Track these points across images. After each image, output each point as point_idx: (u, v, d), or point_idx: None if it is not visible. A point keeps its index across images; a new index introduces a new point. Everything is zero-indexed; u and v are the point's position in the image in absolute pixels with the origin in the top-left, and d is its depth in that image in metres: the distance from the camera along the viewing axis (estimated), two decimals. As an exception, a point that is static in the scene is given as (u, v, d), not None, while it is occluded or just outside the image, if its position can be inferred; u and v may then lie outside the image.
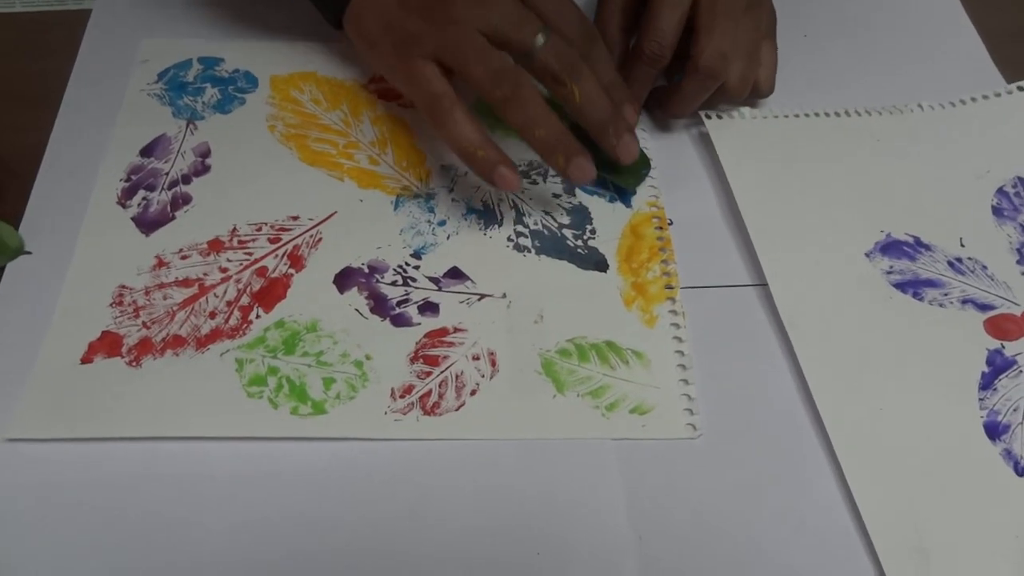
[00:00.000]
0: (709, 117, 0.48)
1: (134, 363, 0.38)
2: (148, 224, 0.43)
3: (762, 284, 0.42)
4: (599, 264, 0.42)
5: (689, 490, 0.36)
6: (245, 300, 0.40)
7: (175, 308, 0.40)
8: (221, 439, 0.36)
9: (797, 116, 0.48)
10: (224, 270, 0.41)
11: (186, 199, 0.44)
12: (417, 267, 0.42)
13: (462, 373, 0.39)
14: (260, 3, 0.53)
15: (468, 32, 0.40)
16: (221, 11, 0.52)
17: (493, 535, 0.35)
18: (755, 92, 0.47)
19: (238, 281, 0.41)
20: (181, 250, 0.42)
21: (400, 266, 0.42)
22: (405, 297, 0.41)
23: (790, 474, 0.36)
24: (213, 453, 0.36)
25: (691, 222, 0.44)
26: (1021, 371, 0.39)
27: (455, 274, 0.42)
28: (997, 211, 0.45)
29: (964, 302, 0.41)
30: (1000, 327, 0.40)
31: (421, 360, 0.39)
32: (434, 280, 0.42)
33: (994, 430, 0.37)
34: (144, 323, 0.39)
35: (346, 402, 0.37)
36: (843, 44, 0.53)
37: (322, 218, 0.43)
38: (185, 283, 0.41)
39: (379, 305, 0.41)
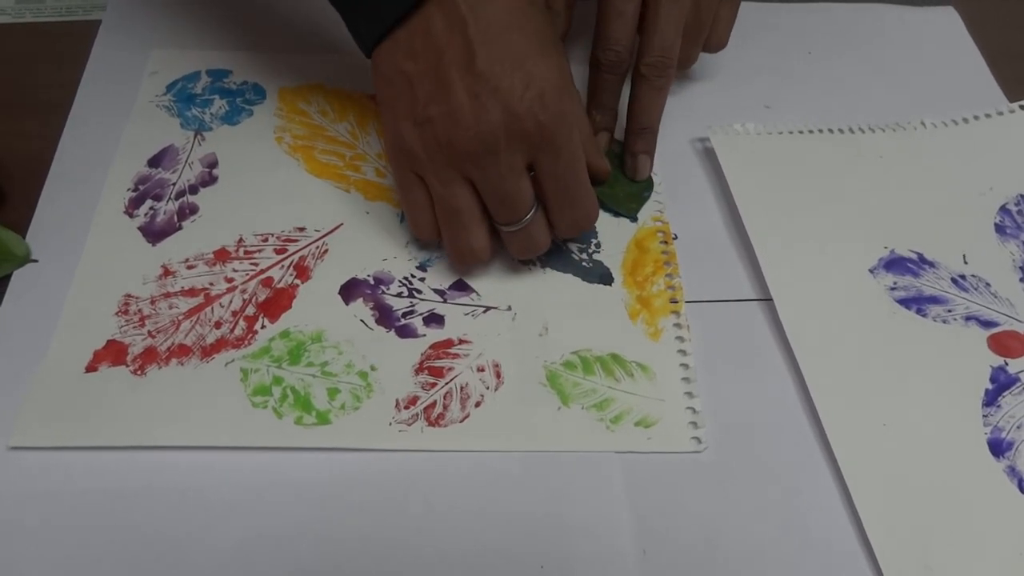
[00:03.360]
0: (715, 133, 0.48)
1: (139, 372, 0.38)
2: (154, 234, 0.43)
3: (766, 299, 0.42)
4: (604, 277, 0.43)
5: (693, 504, 0.36)
6: (251, 310, 0.40)
7: (180, 317, 0.40)
8: (225, 449, 0.36)
9: (802, 132, 0.49)
10: (230, 280, 0.41)
11: (193, 209, 0.44)
12: (423, 279, 0.42)
13: (467, 385, 0.39)
14: (263, 16, 0.53)
15: (459, 185, 0.38)
16: (230, 23, 0.53)
17: (497, 548, 0.34)
18: (705, 49, 0.48)
19: (244, 291, 0.41)
20: (187, 260, 0.42)
21: (406, 278, 0.42)
22: (410, 308, 0.41)
23: (794, 488, 0.36)
24: (217, 463, 0.36)
25: (696, 236, 0.45)
26: (1025, 388, 0.39)
27: (460, 286, 0.42)
28: (1000, 229, 0.45)
29: (968, 319, 0.41)
30: (1003, 344, 0.41)
31: (426, 371, 0.39)
32: (439, 292, 0.42)
33: (998, 447, 0.37)
34: (149, 332, 0.39)
35: (350, 412, 0.37)
36: (847, 62, 0.53)
37: (328, 229, 0.44)
38: (191, 293, 0.41)
39: (384, 316, 0.41)
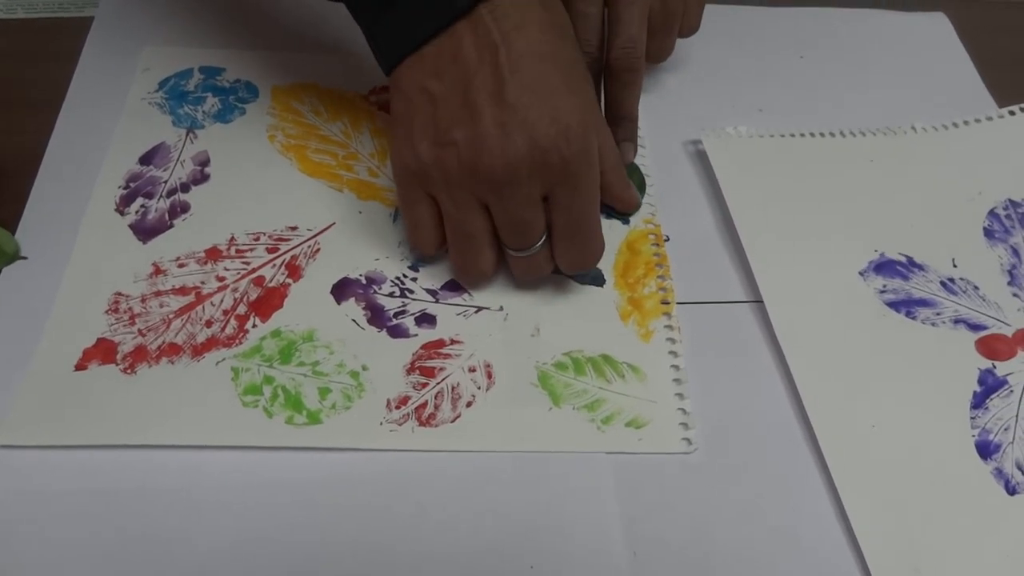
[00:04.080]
0: (707, 135, 0.48)
1: (129, 370, 0.38)
2: (146, 232, 0.43)
3: (757, 301, 0.42)
4: (596, 279, 0.43)
5: (683, 505, 0.36)
6: (242, 309, 0.40)
7: (171, 316, 0.40)
8: (215, 448, 0.36)
9: (793, 136, 0.49)
10: (221, 279, 0.41)
11: (184, 207, 0.44)
12: (415, 279, 0.42)
13: (458, 385, 0.39)
14: (256, 14, 0.53)
15: (474, 209, 0.38)
16: (223, 21, 0.53)
17: (487, 547, 0.34)
18: (679, 36, 0.49)
19: (235, 290, 0.41)
20: (178, 258, 0.42)
21: (398, 278, 0.42)
22: (402, 308, 0.41)
23: (784, 489, 0.36)
24: (207, 462, 0.36)
25: (687, 238, 0.45)
26: (1012, 391, 0.39)
27: (453, 286, 0.42)
28: (989, 233, 0.45)
29: (956, 322, 0.42)
30: (991, 347, 0.41)
31: (417, 371, 0.39)
32: (431, 292, 0.42)
33: (986, 449, 0.38)
34: (140, 331, 0.39)
35: (341, 412, 0.37)
36: (838, 66, 0.54)
37: (320, 229, 0.44)
38: (182, 291, 0.41)
39: (376, 316, 0.41)
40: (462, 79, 0.36)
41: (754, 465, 0.37)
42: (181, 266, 0.42)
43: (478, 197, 0.37)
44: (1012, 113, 0.51)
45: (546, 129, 0.36)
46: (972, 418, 0.38)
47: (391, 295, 0.41)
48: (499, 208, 0.38)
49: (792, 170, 0.47)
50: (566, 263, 0.40)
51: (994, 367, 0.40)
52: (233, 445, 0.36)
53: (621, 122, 0.46)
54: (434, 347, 0.40)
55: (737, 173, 0.46)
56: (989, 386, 0.39)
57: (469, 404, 0.38)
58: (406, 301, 0.41)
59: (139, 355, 0.38)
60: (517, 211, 0.37)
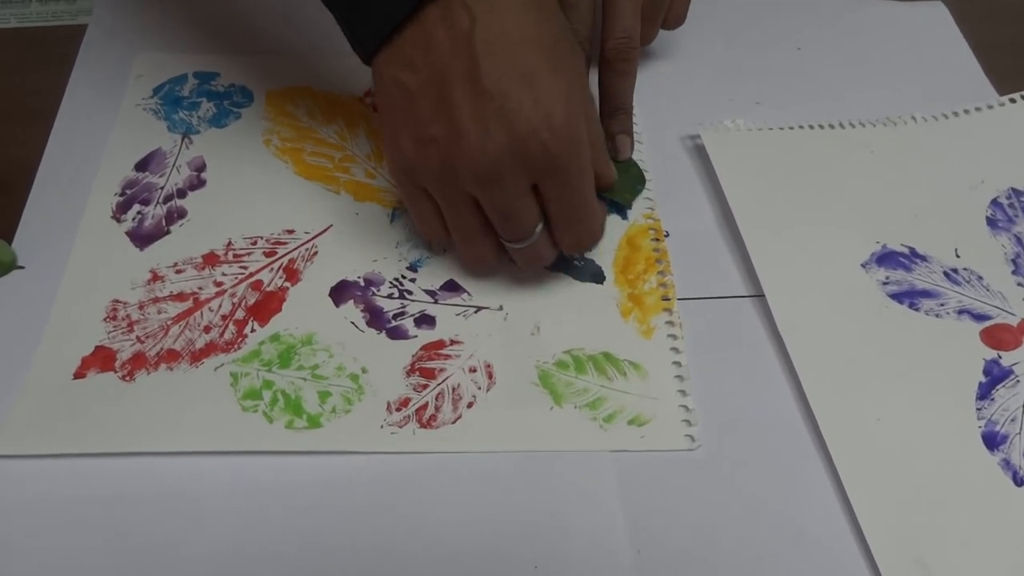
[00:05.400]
0: (706, 129, 0.48)
1: (128, 378, 0.38)
2: (142, 238, 0.43)
3: (759, 295, 0.42)
4: (596, 276, 0.42)
5: (687, 502, 0.36)
6: (240, 314, 0.40)
7: (169, 322, 0.40)
8: (215, 454, 0.36)
9: (792, 128, 0.49)
10: (219, 284, 0.41)
11: (181, 213, 0.44)
12: (413, 280, 0.42)
13: (459, 386, 0.38)
14: (250, 18, 0.53)
15: (463, 204, 0.37)
16: (217, 26, 0.52)
17: (490, 549, 0.34)
18: (664, 26, 0.49)
19: (233, 295, 0.41)
20: (176, 264, 0.42)
21: (396, 279, 0.42)
22: (401, 310, 0.41)
23: (789, 485, 0.36)
24: (207, 468, 0.36)
25: (687, 234, 0.44)
26: (1018, 381, 0.39)
27: (451, 287, 0.42)
28: (991, 222, 0.45)
29: (960, 312, 0.41)
30: (996, 337, 0.40)
31: (417, 373, 0.39)
32: (430, 293, 0.41)
33: (992, 440, 0.37)
34: (138, 337, 0.39)
35: (342, 415, 0.37)
36: (836, 57, 0.53)
37: (318, 231, 0.43)
38: (180, 297, 0.41)
39: (375, 318, 0.40)
40: (436, 69, 0.34)
41: (758, 461, 0.37)
42: (179, 272, 0.41)
43: (466, 192, 0.37)
44: (1013, 101, 0.50)
45: (527, 118, 0.34)
46: (978, 409, 0.38)
47: (390, 297, 0.41)
48: (487, 204, 0.37)
49: (791, 163, 0.47)
50: (566, 245, 0.39)
51: (999, 357, 0.40)
52: (234, 451, 0.36)
53: (616, 114, 0.45)
54: (434, 348, 0.40)
55: (736, 167, 0.46)
56: (995, 376, 0.39)
57: (470, 405, 0.38)
58: (405, 302, 0.41)
59: (138, 362, 0.38)
60: (505, 205, 0.36)
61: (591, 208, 0.38)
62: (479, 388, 0.38)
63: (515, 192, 0.36)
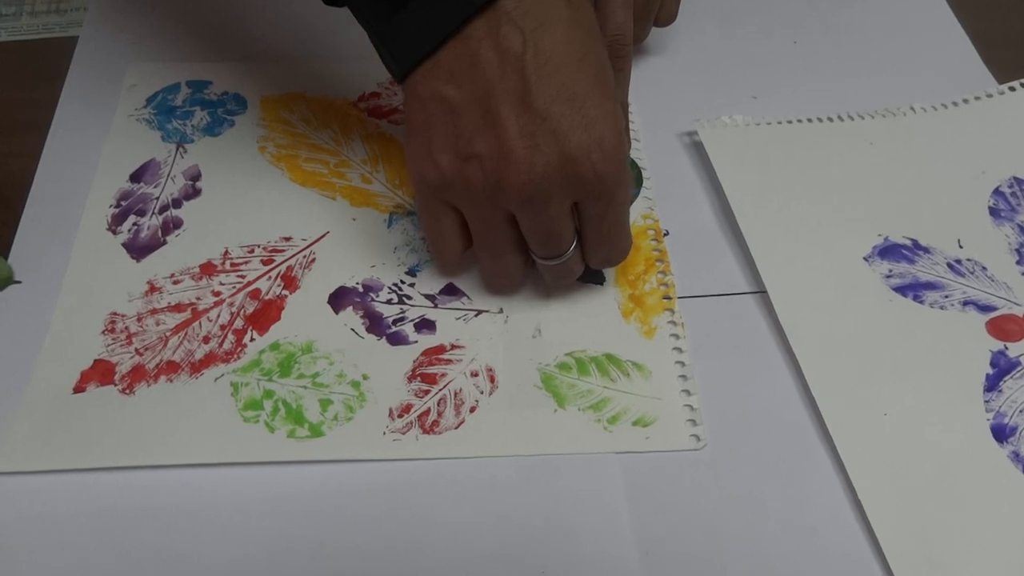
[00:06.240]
0: (703, 125, 0.47)
1: (127, 391, 0.38)
2: (139, 249, 0.42)
3: (761, 291, 0.41)
4: (595, 277, 0.42)
5: (694, 502, 0.35)
6: (239, 323, 0.40)
7: (168, 334, 0.39)
8: (217, 465, 0.36)
9: (790, 122, 0.48)
10: (217, 294, 0.41)
11: (177, 223, 0.43)
12: (412, 284, 0.42)
13: (461, 390, 0.38)
14: (242, 25, 0.53)
15: (501, 222, 0.37)
16: (209, 34, 0.52)
17: (497, 553, 0.34)
18: (656, 23, 0.49)
19: (231, 304, 0.41)
20: (173, 275, 0.41)
21: (395, 284, 0.41)
22: (401, 315, 0.40)
23: (797, 483, 0.36)
24: (209, 479, 0.36)
25: (687, 232, 0.44)
26: (1026, 372, 0.39)
27: (451, 291, 0.41)
28: (994, 212, 0.44)
29: (965, 304, 0.41)
30: (1002, 328, 0.40)
31: (419, 378, 0.38)
32: (430, 297, 0.41)
33: (1001, 432, 0.37)
34: (137, 350, 0.39)
35: (344, 423, 0.37)
36: (834, 49, 0.53)
37: (315, 238, 0.43)
38: (178, 308, 0.40)
39: (375, 324, 0.40)
40: (483, 85, 0.34)
41: (765, 459, 0.36)
42: (176, 283, 0.41)
43: (506, 209, 0.36)
44: (1012, 89, 0.50)
45: (579, 140, 0.34)
46: (986, 401, 0.38)
47: (389, 302, 0.41)
48: (527, 221, 0.36)
49: (790, 157, 0.46)
50: (597, 263, 0.39)
51: (1006, 348, 0.39)
52: (235, 462, 0.36)
53: None
54: (435, 353, 0.39)
55: (734, 163, 0.46)
56: (1002, 368, 0.39)
57: (472, 409, 0.37)
58: (404, 307, 0.41)
59: (137, 375, 0.38)
60: (547, 223, 0.36)
61: (627, 227, 0.38)
62: (481, 392, 0.38)
63: (559, 211, 0.36)
